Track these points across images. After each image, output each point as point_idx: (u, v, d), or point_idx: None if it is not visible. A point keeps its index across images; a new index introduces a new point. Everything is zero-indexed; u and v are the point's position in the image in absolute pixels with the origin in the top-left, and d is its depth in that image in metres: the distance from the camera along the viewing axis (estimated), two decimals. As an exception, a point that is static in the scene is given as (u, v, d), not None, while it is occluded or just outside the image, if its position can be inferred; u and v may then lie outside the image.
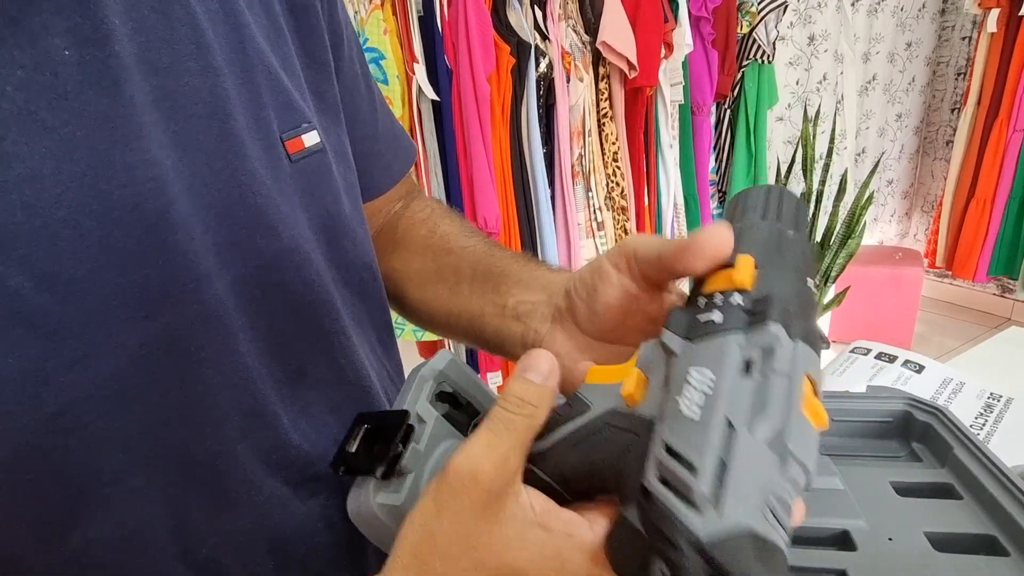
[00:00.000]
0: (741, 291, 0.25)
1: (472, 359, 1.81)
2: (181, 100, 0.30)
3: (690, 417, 0.21)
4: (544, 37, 1.63)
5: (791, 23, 2.43)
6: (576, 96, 1.69)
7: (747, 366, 0.22)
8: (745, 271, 0.25)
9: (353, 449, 0.31)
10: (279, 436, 0.36)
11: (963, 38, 2.78)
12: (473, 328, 0.43)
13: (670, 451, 0.21)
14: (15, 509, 0.27)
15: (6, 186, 0.25)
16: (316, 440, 0.38)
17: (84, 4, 0.26)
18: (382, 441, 0.30)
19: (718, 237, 0.27)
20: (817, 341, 0.23)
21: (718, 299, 0.25)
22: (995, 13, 2.29)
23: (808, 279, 0.26)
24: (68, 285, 0.26)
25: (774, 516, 0.19)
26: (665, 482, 0.20)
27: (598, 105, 1.77)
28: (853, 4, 2.52)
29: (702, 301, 0.26)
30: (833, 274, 2.25)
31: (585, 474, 0.26)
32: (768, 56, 2.03)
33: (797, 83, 2.56)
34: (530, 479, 0.27)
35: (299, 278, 0.36)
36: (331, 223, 0.39)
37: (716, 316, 0.24)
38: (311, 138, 0.37)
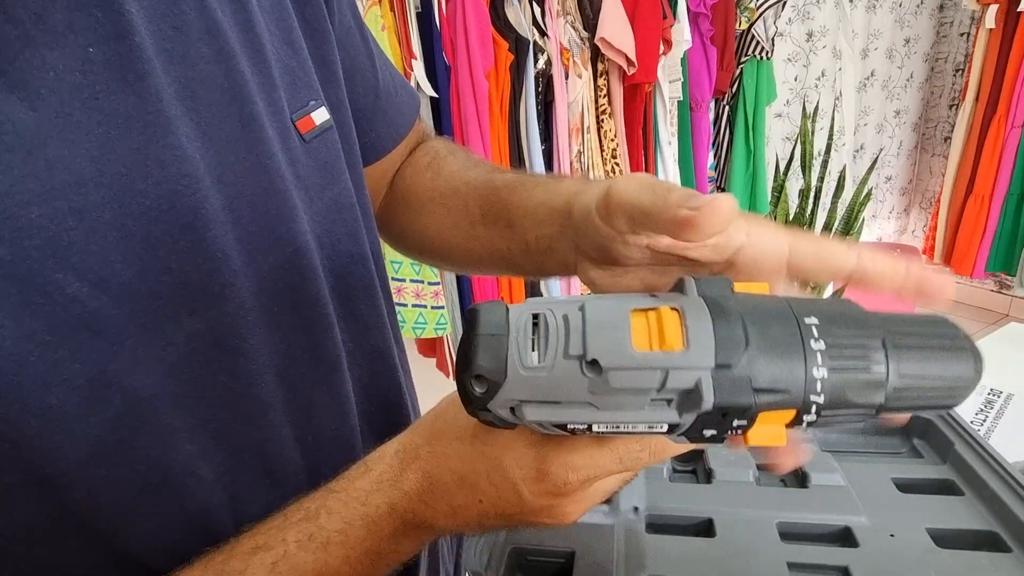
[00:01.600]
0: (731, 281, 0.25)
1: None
2: (199, 89, 0.30)
3: None
4: (542, 33, 1.62)
5: (789, 19, 2.43)
6: (575, 92, 1.69)
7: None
8: (760, 287, 0.25)
9: None
10: (315, 421, 0.37)
11: (961, 34, 2.78)
12: (509, 265, 0.42)
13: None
14: (94, 504, 0.28)
15: (54, 193, 0.25)
16: (342, 423, 0.39)
17: None
18: None
19: (720, 216, 0.23)
20: (733, 346, 0.22)
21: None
22: (993, 9, 2.29)
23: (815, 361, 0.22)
24: (121, 287, 0.27)
25: (535, 323, 0.24)
26: None
27: (597, 101, 1.76)
28: (851, 0, 2.52)
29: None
30: (831, 270, 2.24)
31: None
32: (767, 52, 2.03)
33: (796, 79, 2.56)
34: None
35: (328, 261, 0.37)
36: (347, 201, 0.39)
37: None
38: (321, 115, 0.36)
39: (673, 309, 0.23)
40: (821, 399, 0.22)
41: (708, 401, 0.21)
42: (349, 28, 0.43)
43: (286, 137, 0.34)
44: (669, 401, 0.22)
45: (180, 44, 0.29)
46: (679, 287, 0.25)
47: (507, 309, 0.24)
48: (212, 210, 0.30)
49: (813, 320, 0.23)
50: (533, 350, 0.23)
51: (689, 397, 0.22)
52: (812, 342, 0.22)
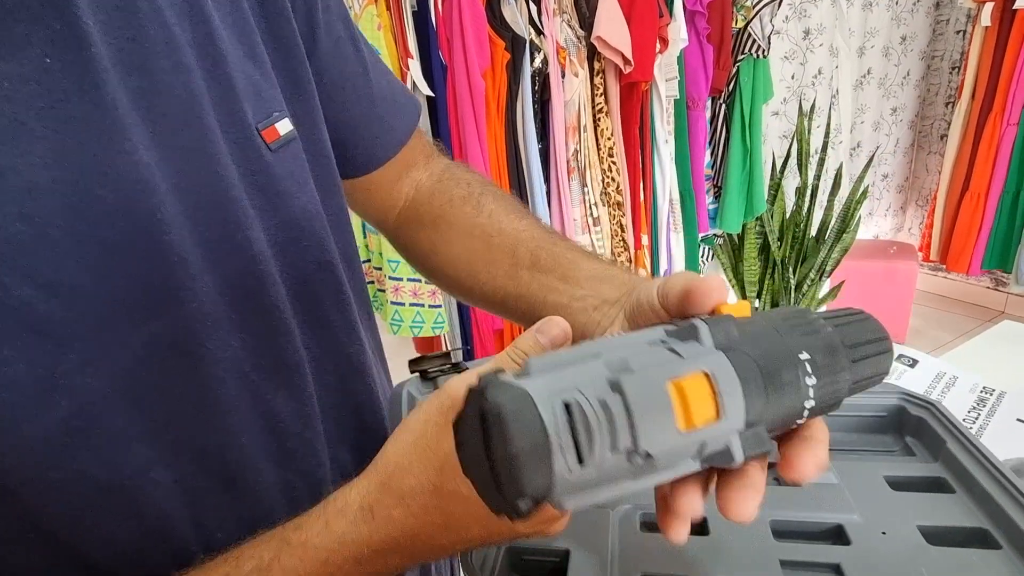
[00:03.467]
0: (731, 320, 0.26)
1: (468, 354, 1.80)
2: (155, 100, 0.30)
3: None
4: (539, 32, 1.62)
5: (786, 17, 2.43)
6: (571, 91, 1.69)
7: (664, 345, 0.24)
8: (743, 309, 0.27)
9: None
10: (277, 426, 0.37)
11: (957, 32, 2.78)
12: (533, 312, 0.42)
13: None
14: (47, 508, 0.28)
15: (3, 199, 0.25)
16: (310, 429, 0.39)
17: (59, 9, 0.26)
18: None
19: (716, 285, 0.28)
20: (757, 383, 0.23)
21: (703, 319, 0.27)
22: (989, 7, 2.29)
23: (805, 365, 0.25)
24: (73, 291, 0.27)
25: (568, 414, 0.20)
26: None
27: (593, 100, 1.76)
28: (848, -2, 2.52)
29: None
30: (828, 268, 2.25)
31: None
32: (763, 50, 2.03)
33: (792, 77, 2.56)
34: None
35: (289, 267, 0.37)
36: (314, 209, 0.39)
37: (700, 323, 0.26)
38: (284, 126, 0.37)
39: (704, 375, 0.22)
40: (803, 419, 0.25)
41: (738, 460, 0.23)
42: (339, 39, 0.43)
43: (247, 147, 0.35)
44: (695, 457, 0.23)
45: (138, 56, 0.30)
46: (692, 333, 0.25)
47: (532, 400, 0.20)
48: (169, 215, 0.30)
49: (805, 356, 0.25)
50: (575, 446, 0.20)
51: (719, 456, 0.23)
52: (807, 379, 0.24)
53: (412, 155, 0.51)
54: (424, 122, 1.61)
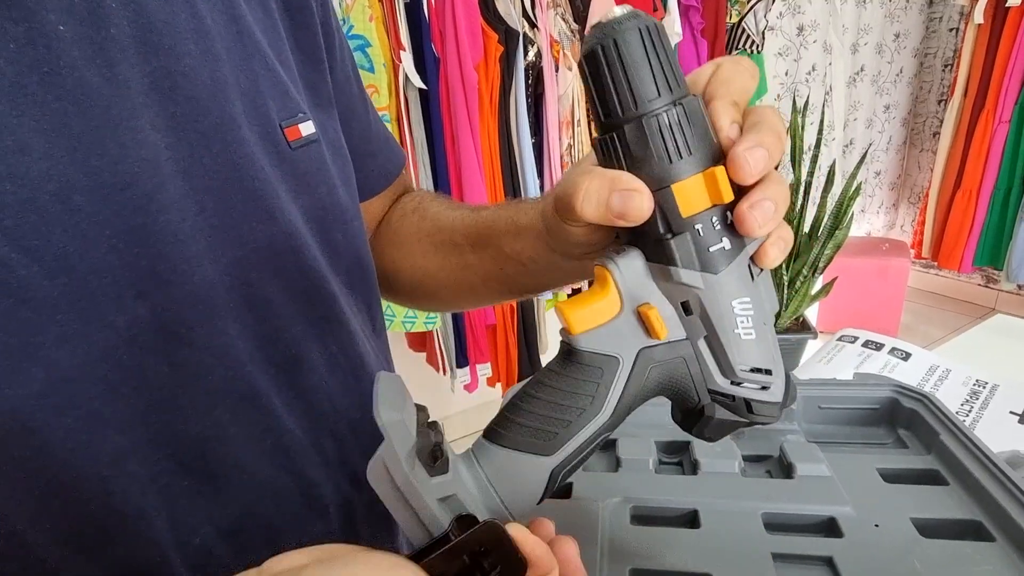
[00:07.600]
0: (724, 206, 0.26)
1: (461, 349, 1.80)
2: (181, 82, 0.30)
3: (750, 339, 0.28)
4: (532, 25, 1.61)
5: (780, 13, 2.42)
6: (565, 85, 1.68)
7: (750, 273, 0.28)
8: (725, 185, 0.26)
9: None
10: (272, 421, 0.36)
11: (950, 29, 2.79)
12: (507, 286, 0.45)
13: (751, 369, 0.28)
14: (7, 489, 0.26)
15: None
16: (310, 427, 0.38)
17: None
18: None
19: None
20: None
21: (715, 222, 0.26)
22: (982, 4, 2.30)
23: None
24: (58, 259, 0.26)
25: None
26: (745, 384, 0.28)
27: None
28: (842, -5, 2.52)
29: (698, 227, 0.26)
30: (821, 265, 2.25)
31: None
32: (757, 46, 2.03)
33: (786, 74, 2.56)
34: None
35: (294, 264, 0.37)
36: (327, 213, 0.39)
37: (726, 244, 0.27)
38: (307, 127, 0.38)
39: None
40: None
41: None
42: (348, 77, 0.46)
43: (270, 142, 0.35)
44: None
45: (167, 38, 0.30)
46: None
47: None
48: (170, 196, 0.29)
49: None
50: None
51: None
52: None
53: (394, 192, 0.54)
54: (416, 115, 1.59)
